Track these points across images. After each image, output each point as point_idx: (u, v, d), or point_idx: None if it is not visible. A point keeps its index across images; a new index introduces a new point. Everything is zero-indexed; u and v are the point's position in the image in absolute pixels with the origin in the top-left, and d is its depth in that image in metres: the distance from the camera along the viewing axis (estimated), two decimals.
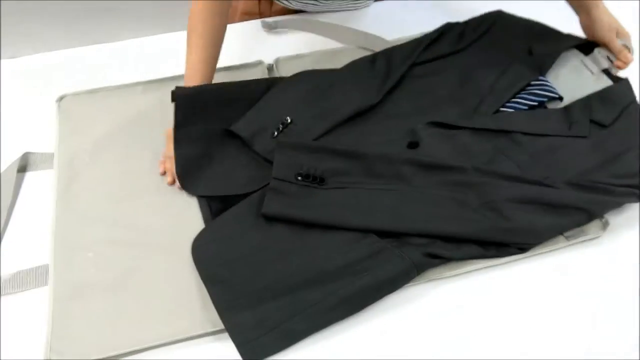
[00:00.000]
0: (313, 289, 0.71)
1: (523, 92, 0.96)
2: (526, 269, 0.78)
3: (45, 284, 0.76)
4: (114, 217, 0.83)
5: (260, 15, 1.22)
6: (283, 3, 1.19)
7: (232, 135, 0.92)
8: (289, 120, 0.92)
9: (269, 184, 0.81)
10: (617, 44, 0.99)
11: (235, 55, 1.09)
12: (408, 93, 0.99)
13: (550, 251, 0.79)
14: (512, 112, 0.94)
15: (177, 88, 0.89)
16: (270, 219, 0.79)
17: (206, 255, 0.77)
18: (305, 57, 1.11)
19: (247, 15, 1.22)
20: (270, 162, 0.84)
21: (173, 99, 0.89)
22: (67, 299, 0.73)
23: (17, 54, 1.13)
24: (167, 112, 0.98)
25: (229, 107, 0.94)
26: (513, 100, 0.95)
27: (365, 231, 0.77)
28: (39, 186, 0.89)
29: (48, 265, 0.77)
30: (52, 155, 0.92)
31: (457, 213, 0.78)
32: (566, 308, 0.74)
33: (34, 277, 0.76)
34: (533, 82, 0.96)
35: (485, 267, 0.77)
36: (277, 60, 1.09)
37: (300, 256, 0.75)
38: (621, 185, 0.80)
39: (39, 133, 0.96)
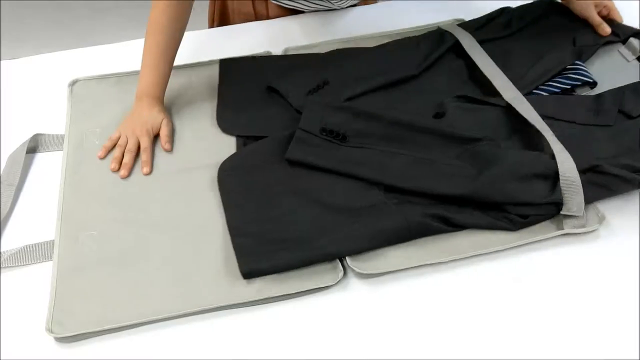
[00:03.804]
0: (313, 224, 0.78)
1: (558, 75, 0.97)
2: (521, 262, 0.77)
3: (50, 258, 0.78)
4: (119, 198, 0.85)
5: (256, 15, 1.21)
6: (278, 1, 1.17)
7: (271, 92, 0.99)
8: (325, 81, 0.98)
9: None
10: (596, 18, 1.05)
11: (245, 50, 1.10)
12: (446, 71, 1.02)
13: (543, 240, 0.78)
14: (543, 95, 0.95)
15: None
16: (292, 162, 0.86)
17: (229, 179, 0.85)
18: (314, 47, 1.11)
19: (244, 16, 1.21)
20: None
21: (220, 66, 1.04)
22: (70, 274, 0.76)
23: (17, 54, 1.15)
24: (175, 97, 1.01)
25: (268, 72, 1.03)
26: (547, 82, 0.97)
27: (373, 183, 0.83)
28: (49, 167, 0.91)
29: (53, 241, 0.80)
30: (62, 137, 0.95)
31: (462, 179, 0.81)
32: (562, 304, 0.73)
33: (39, 251, 0.79)
34: (568, 67, 0.98)
35: (476, 256, 0.77)
36: (286, 50, 1.10)
37: (309, 194, 0.82)
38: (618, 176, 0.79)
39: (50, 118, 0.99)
